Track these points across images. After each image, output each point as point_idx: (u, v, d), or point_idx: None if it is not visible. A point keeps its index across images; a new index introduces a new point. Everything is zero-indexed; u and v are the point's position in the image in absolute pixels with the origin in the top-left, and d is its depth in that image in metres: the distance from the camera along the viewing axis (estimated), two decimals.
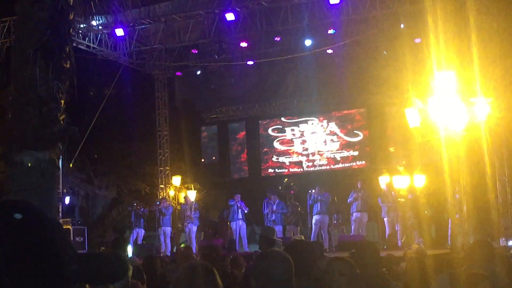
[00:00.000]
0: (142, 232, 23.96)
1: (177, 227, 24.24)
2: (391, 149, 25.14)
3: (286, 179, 24.90)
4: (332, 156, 27.03)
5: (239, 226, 22.43)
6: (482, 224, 19.36)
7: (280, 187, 24.48)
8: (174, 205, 24.87)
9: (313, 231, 21.25)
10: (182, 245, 21.97)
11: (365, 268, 5.21)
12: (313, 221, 21.28)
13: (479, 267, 5.77)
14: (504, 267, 6.22)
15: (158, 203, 23.79)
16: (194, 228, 23.23)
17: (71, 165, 25.23)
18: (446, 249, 16.92)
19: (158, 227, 23.46)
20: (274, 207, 21.84)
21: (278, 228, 21.46)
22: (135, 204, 24.29)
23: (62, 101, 7.87)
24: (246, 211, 22.53)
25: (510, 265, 7.52)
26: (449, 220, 18.31)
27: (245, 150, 29.26)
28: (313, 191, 21.51)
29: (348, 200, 21.26)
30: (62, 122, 7.98)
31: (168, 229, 23.34)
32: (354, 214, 21.01)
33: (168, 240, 23.14)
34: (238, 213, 22.52)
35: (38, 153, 7.42)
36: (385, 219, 20.78)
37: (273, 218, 21.73)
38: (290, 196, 23.15)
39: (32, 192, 7.32)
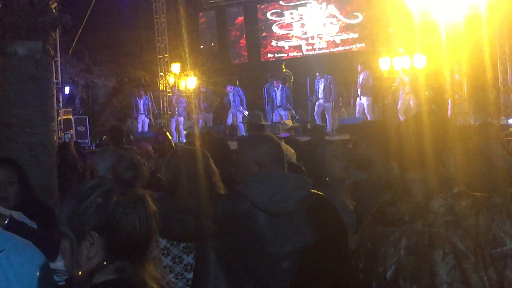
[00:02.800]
0: (146, 120, 24.15)
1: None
2: (391, 30, 24.81)
3: (284, 67, 24.73)
4: (332, 39, 26.79)
5: (235, 112, 22.63)
6: (481, 104, 19.33)
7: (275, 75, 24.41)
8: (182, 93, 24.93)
9: (315, 115, 21.28)
10: (185, 132, 22.18)
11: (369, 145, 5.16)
12: (316, 105, 21.30)
13: (475, 145, 5.77)
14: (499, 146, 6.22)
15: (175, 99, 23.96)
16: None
17: (70, 52, 25.09)
18: None
19: (171, 117, 23.81)
20: (279, 93, 21.82)
21: (284, 113, 21.58)
22: (141, 93, 24.41)
23: None
24: (244, 98, 22.73)
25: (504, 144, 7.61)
26: (449, 100, 18.28)
27: (244, 36, 28.99)
28: (317, 75, 21.39)
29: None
30: (54, 10, 7.86)
31: (181, 119, 23.60)
32: (357, 98, 20.96)
33: (182, 128, 23.38)
34: (235, 100, 22.69)
35: (31, 43, 7.34)
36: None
37: (279, 103, 21.79)
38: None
39: (27, 83, 7.29)
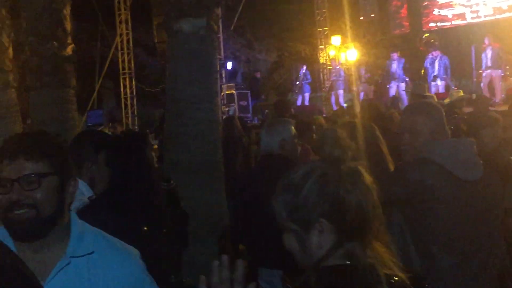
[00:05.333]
0: (307, 94, 24.24)
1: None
2: None
3: (426, 34, 23.93)
4: (498, 5, 25.61)
5: (397, 84, 22.16)
6: None
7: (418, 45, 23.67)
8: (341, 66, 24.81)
9: (482, 85, 20.51)
10: (346, 105, 22.06)
11: None
12: (483, 76, 20.50)
13: None
14: None
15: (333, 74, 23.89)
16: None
17: (232, 28, 25.61)
18: None
19: (331, 90, 23.74)
20: (437, 62, 21.19)
21: (441, 84, 20.94)
22: (304, 67, 24.52)
23: None
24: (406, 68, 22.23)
25: None
26: None
27: (405, 5, 28.31)
28: (486, 42, 20.54)
29: None
30: None
31: (341, 92, 23.47)
32: None
33: (342, 101, 23.26)
34: (396, 71, 22.20)
35: (195, 19, 7.50)
36: None
37: (436, 73, 21.16)
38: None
39: (192, 59, 7.46)
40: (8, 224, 2.28)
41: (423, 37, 23.69)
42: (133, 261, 2.51)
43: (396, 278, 2.03)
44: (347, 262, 2.00)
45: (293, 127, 5.24)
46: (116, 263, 2.43)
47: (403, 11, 28.34)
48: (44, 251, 2.33)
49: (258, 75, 27.19)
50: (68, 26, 10.47)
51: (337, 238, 2.01)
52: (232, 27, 26.64)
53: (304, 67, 24.64)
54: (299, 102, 23.86)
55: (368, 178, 2.07)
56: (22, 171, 2.27)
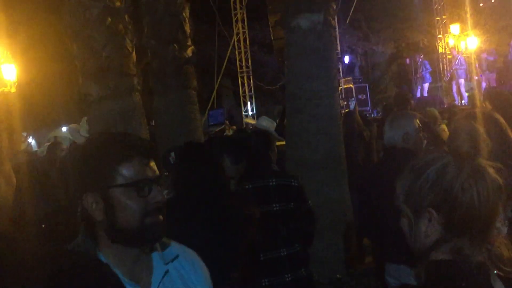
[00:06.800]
0: (426, 85, 23.81)
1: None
2: None
3: None
4: None
5: None
6: None
7: None
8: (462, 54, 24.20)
9: None
10: (467, 94, 21.54)
11: None
12: None
13: None
14: None
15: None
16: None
17: (347, 21, 25.47)
18: None
19: (452, 80, 23.22)
20: None
21: None
22: (417, 58, 24.12)
23: None
24: None
25: None
26: None
27: None
28: None
29: None
30: None
31: (462, 81, 22.88)
32: None
33: (463, 90, 22.68)
34: None
35: (313, 15, 7.51)
36: None
37: None
38: None
39: (310, 55, 7.47)
40: (145, 229, 2.09)
41: None
42: (202, 262, 2.41)
43: None
44: (452, 258, 1.99)
45: (417, 120, 5.14)
46: (196, 265, 2.35)
47: None
48: (141, 259, 2.19)
49: (408, 61, 26.83)
50: (188, 28, 10.70)
51: (445, 231, 2.01)
52: (347, 20, 26.43)
53: (420, 58, 24.30)
54: (418, 93, 23.46)
55: (495, 179, 2.01)
56: (155, 171, 2.12)
